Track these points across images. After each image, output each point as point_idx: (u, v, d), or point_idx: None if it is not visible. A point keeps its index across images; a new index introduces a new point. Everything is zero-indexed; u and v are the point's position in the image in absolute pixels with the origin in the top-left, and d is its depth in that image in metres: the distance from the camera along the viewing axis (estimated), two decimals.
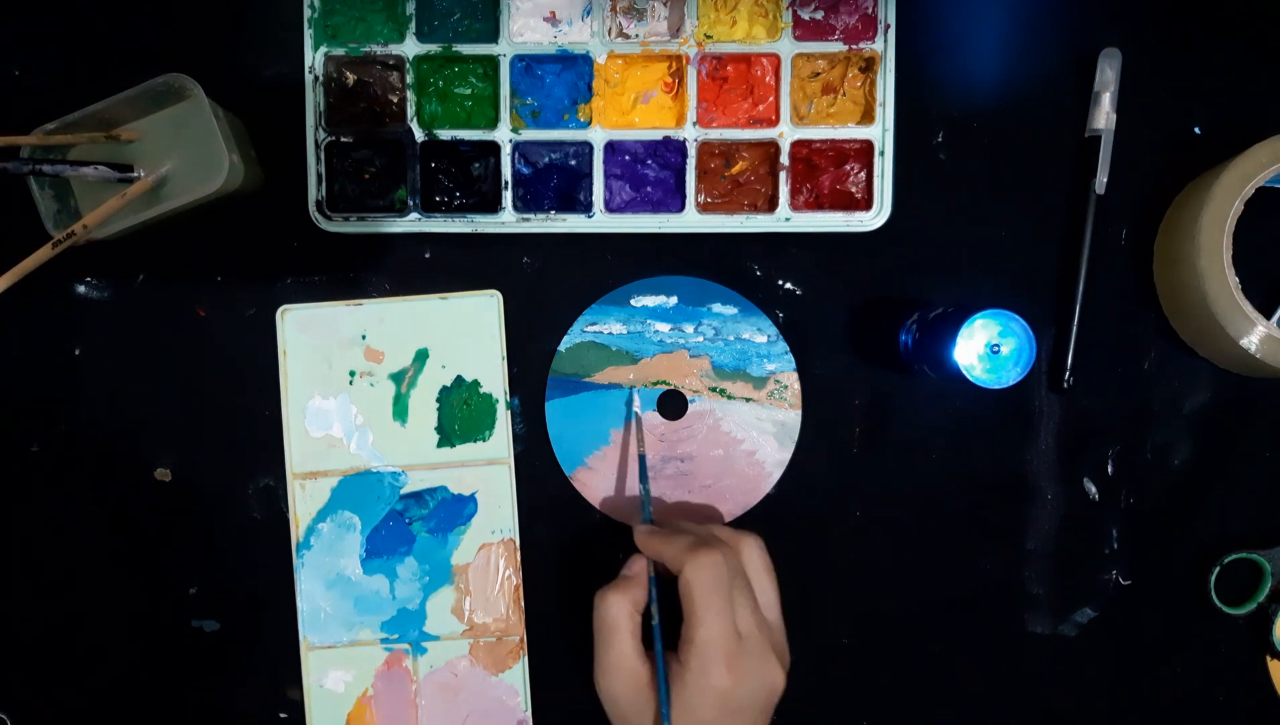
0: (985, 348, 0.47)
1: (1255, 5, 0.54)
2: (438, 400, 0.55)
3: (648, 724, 0.45)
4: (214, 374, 0.55)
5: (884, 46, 0.53)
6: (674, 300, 0.55)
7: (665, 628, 0.46)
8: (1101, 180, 0.54)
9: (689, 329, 0.55)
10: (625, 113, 0.54)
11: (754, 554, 0.49)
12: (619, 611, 0.47)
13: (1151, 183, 0.55)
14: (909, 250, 0.55)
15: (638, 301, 0.55)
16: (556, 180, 0.54)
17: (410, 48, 0.53)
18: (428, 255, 0.55)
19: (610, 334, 0.55)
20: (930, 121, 0.55)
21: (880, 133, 0.53)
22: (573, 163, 0.54)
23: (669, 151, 0.54)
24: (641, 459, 0.53)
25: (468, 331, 0.55)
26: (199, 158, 0.50)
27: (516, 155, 0.54)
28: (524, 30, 0.54)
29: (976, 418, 0.55)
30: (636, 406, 0.54)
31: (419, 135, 0.53)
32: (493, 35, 0.53)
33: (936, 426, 0.55)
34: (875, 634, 0.56)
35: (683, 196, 0.54)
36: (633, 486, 0.55)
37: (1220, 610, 0.55)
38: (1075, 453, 0.55)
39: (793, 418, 0.55)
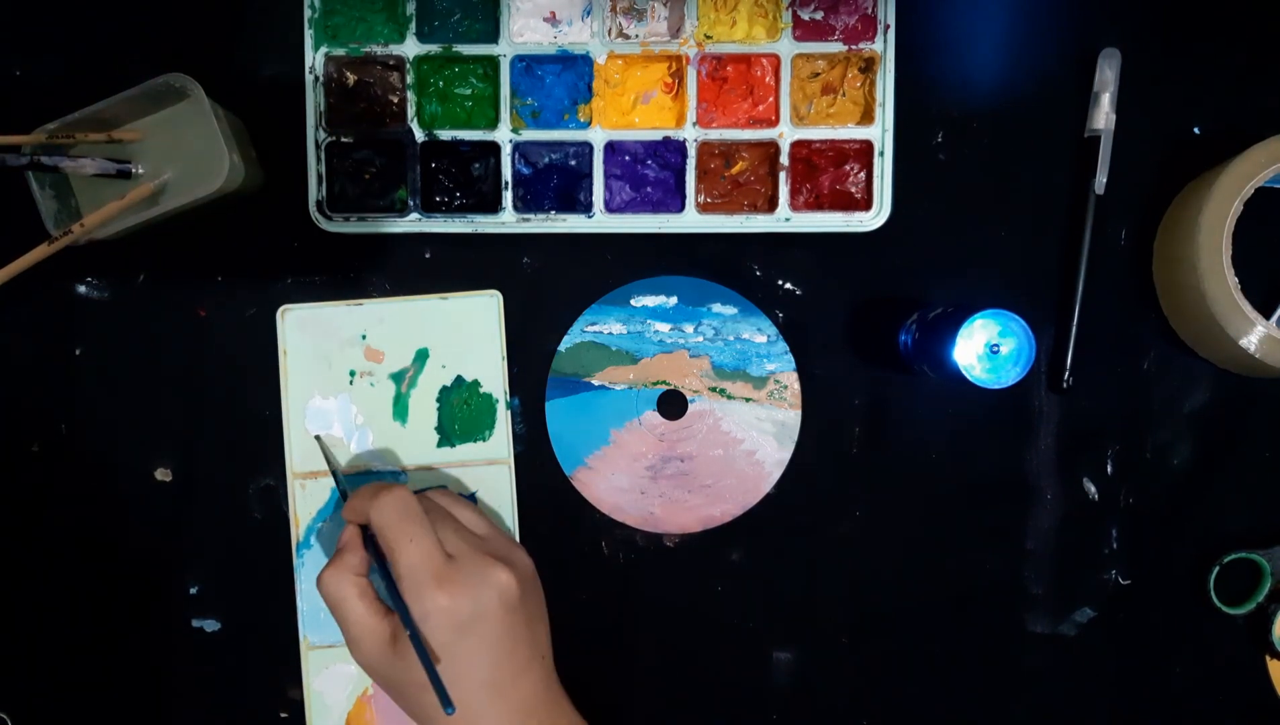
0: (985, 348, 0.48)
1: (1255, 5, 0.54)
2: (438, 400, 0.55)
3: (409, 676, 0.45)
4: (214, 374, 0.55)
5: (884, 47, 0.53)
6: (674, 300, 0.55)
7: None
8: (1101, 180, 0.54)
9: (689, 329, 0.55)
10: (625, 113, 0.54)
11: (439, 494, 0.50)
12: (337, 585, 0.46)
13: (1151, 183, 0.55)
14: (909, 250, 0.55)
15: (638, 301, 0.55)
16: (556, 180, 0.54)
17: (410, 48, 0.53)
18: (428, 255, 0.55)
19: (610, 334, 0.55)
20: (930, 121, 0.55)
21: (880, 133, 0.53)
22: (573, 163, 0.54)
23: (669, 152, 0.54)
24: (333, 473, 0.54)
25: (468, 331, 0.55)
26: (199, 158, 0.50)
27: (516, 155, 0.54)
28: (524, 30, 0.54)
29: (976, 418, 0.55)
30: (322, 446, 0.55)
31: (419, 135, 0.53)
32: (493, 35, 0.53)
33: (936, 426, 0.55)
34: (875, 634, 0.56)
35: (683, 196, 0.54)
36: (634, 487, 0.55)
37: (1220, 610, 0.55)
38: (1075, 453, 0.55)
39: (792, 418, 0.55)
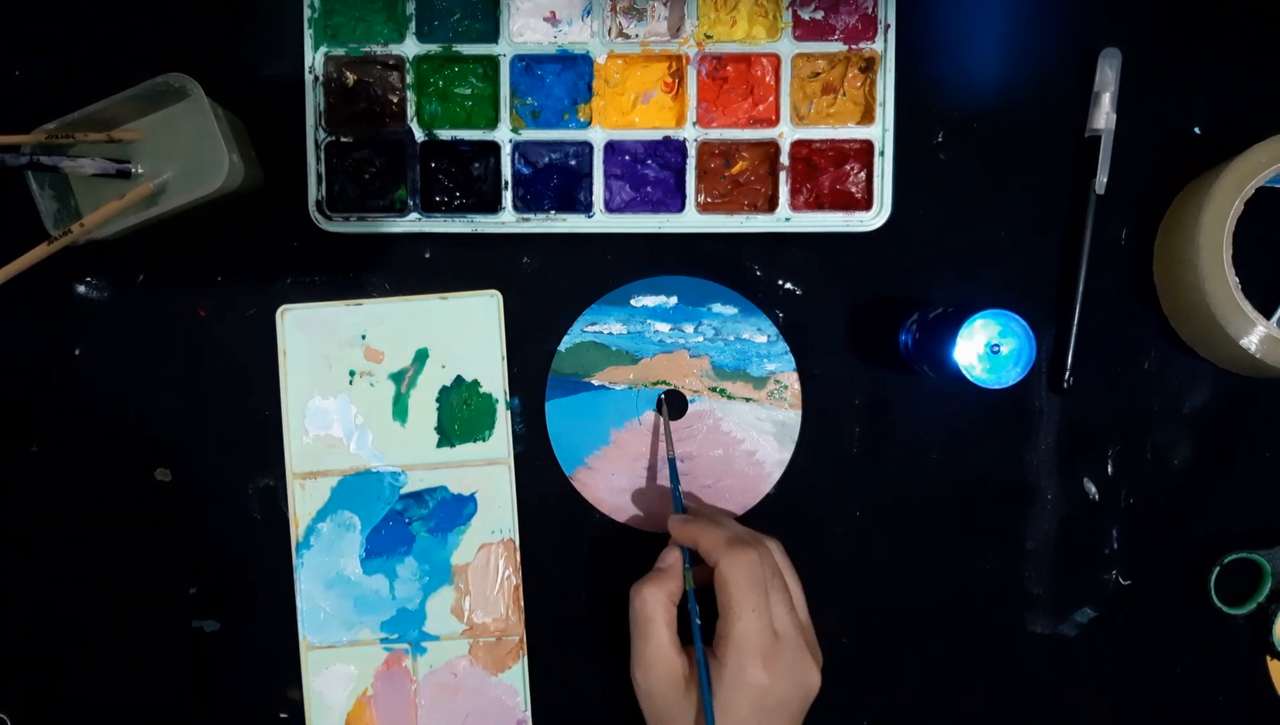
0: (985, 348, 0.47)
1: (1255, 5, 0.54)
2: (438, 400, 0.55)
3: (684, 719, 0.45)
4: (214, 374, 0.55)
5: (884, 46, 0.53)
6: (674, 300, 0.55)
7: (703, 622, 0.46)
8: (1101, 180, 0.54)
9: (689, 329, 0.55)
10: (625, 113, 0.54)
11: (780, 555, 0.49)
12: (655, 604, 0.46)
13: (1151, 183, 0.55)
14: (909, 250, 0.55)
15: (638, 301, 0.55)
16: (556, 180, 0.54)
17: (410, 48, 0.53)
18: (428, 255, 0.55)
19: (610, 334, 0.55)
20: (930, 121, 0.55)
21: (880, 133, 0.53)
22: (573, 163, 0.54)
23: (669, 151, 0.54)
24: (671, 462, 0.53)
25: (468, 331, 0.55)
26: (199, 158, 0.50)
27: (516, 155, 0.54)
28: (524, 30, 0.54)
29: (976, 418, 0.55)
30: (663, 418, 0.55)
31: (419, 135, 0.53)
32: (493, 35, 0.53)
33: (936, 426, 0.55)
34: (875, 634, 0.56)
35: (683, 196, 0.54)
36: (634, 487, 0.55)
37: (1220, 610, 0.55)
38: (1075, 453, 0.55)
39: (793, 418, 0.55)
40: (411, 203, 0.54)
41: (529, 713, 0.55)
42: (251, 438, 0.55)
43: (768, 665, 0.44)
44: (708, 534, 0.47)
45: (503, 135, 0.53)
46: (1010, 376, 0.48)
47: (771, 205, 0.54)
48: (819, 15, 0.53)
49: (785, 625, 0.45)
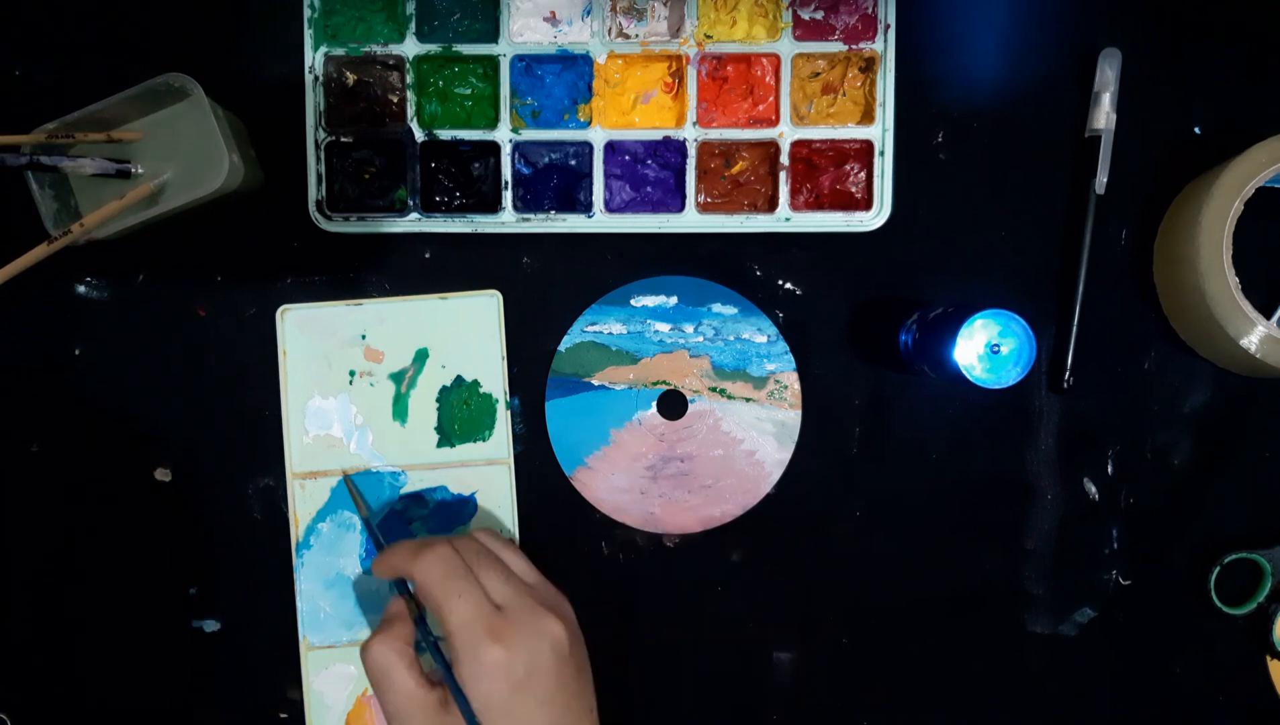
0: (985, 348, 0.47)
1: (1255, 5, 0.54)
2: (438, 400, 0.55)
3: None
4: (214, 374, 0.55)
5: (884, 46, 0.53)
6: (674, 300, 0.55)
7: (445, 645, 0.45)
8: (1101, 180, 0.54)
9: (689, 329, 0.55)
10: (625, 113, 0.54)
11: (487, 537, 0.49)
12: (384, 655, 0.45)
13: (1151, 183, 0.55)
14: (909, 250, 0.55)
15: (638, 301, 0.55)
16: (556, 180, 0.54)
17: (410, 48, 0.53)
18: (428, 255, 0.55)
19: (610, 334, 0.55)
20: (930, 121, 0.55)
21: (880, 133, 0.53)
22: (573, 163, 0.54)
23: (669, 151, 0.54)
24: (365, 522, 0.54)
25: (468, 331, 0.55)
26: (199, 158, 0.50)
27: (516, 155, 0.54)
28: (524, 30, 0.54)
29: (976, 418, 0.55)
30: (351, 482, 0.55)
31: (419, 135, 0.53)
32: (493, 35, 0.53)
33: (936, 426, 0.55)
34: (875, 634, 0.56)
35: (683, 196, 0.54)
36: (634, 487, 0.55)
37: (1220, 610, 0.55)
38: (1075, 453, 0.55)
39: (793, 418, 0.55)
40: (411, 203, 0.54)
41: None
42: (251, 438, 0.55)
43: (499, 638, 0.43)
44: (395, 554, 0.46)
45: (503, 135, 0.53)
46: (1010, 376, 0.48)
47: (771, 205, 0.54)
48: (819, 15, 0.53)
49: (505, 594, 0.45)
